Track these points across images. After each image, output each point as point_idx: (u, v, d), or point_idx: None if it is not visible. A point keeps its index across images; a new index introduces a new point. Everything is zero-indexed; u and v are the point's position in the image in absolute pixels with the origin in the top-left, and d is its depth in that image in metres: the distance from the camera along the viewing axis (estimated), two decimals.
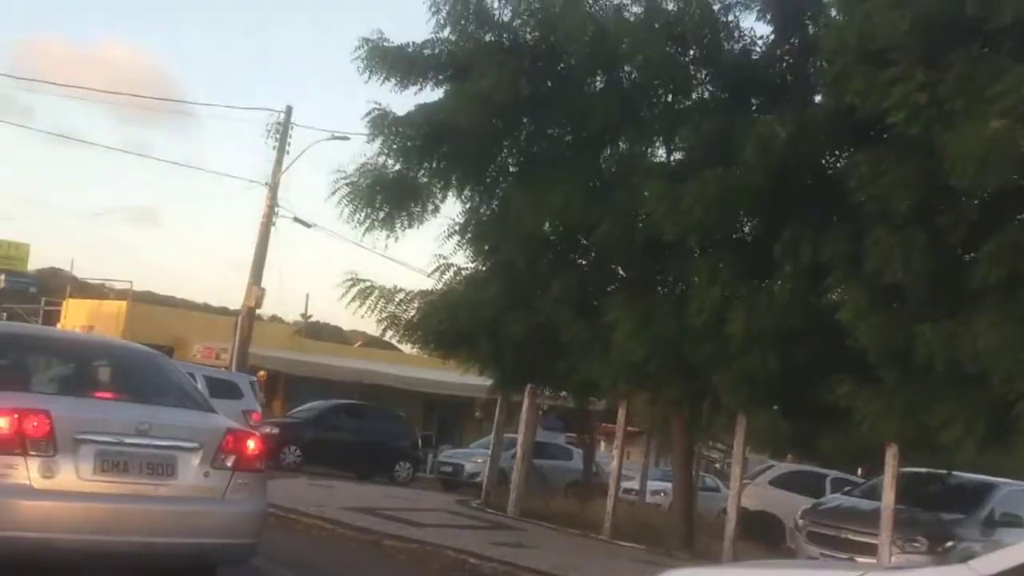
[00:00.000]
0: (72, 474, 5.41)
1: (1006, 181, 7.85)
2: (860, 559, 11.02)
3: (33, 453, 5.31)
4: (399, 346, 27.09)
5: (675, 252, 11.60)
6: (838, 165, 10.90)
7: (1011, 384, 8.07)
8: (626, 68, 12.36)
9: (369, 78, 12.66)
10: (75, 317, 34.22)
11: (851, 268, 9.62)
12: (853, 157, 9.74)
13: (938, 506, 12.70)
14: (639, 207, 11.39)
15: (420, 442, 25.23)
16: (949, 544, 11.70)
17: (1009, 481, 13.80)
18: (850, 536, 12.16)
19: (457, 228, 13.76)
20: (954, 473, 13.94)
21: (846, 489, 15.62)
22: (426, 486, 21.48)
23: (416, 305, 14.77)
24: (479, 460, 22.11)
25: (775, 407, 12.86)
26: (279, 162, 26.24)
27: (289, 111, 26.66)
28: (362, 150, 13.55)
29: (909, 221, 8.89)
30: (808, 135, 10.20)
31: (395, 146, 12.61)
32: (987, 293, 8.47)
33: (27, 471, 5.28)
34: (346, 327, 51.18)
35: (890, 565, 7.10)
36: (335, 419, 23.01)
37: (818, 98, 11.21)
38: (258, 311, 27.38)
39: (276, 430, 21.23)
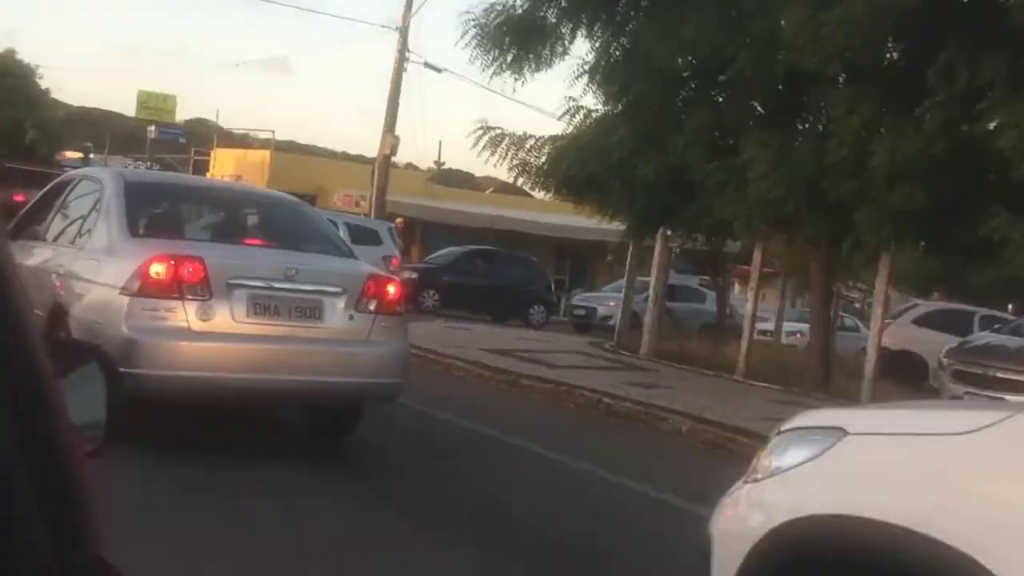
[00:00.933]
0: (227, 317, 5.71)
1: None
2: (1010, 398, 10.72)
3: (190, 297, 5.61)
4: (530, 192, 27.21)
5: (816, 84, 11.01)
6: None
7: None
8: None
9: None
10: (223, 167, 35.56)
11: (1012, 91, 8.92)
12: None
13: None
14: (778, 36, 10.78)
15: (553, 286, 25.58)
16: None
17: None
18: (999, 374, 11.79)
19: (586, 68, 13.45)
20: None
21: (996, 327, 15.08)
22: (559, 329, 21.89)
23: (547, 150, 14.67)
24: (611, 303, 22.29)
25: (921, 243, 12.34)
26: (409, 5, 25.92)
27: None
28: None
29: None
30: None
31: None
32: None
33: (185, 314, 5.59)
34: (478, 174, 51.58)
35: None
36: (471, 264, 23.54)
37: None
38: (393, 159, 27.74)
39: (415, 275, 21.89)
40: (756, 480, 2.82)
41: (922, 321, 18.07)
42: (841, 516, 2.44)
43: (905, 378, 14.21)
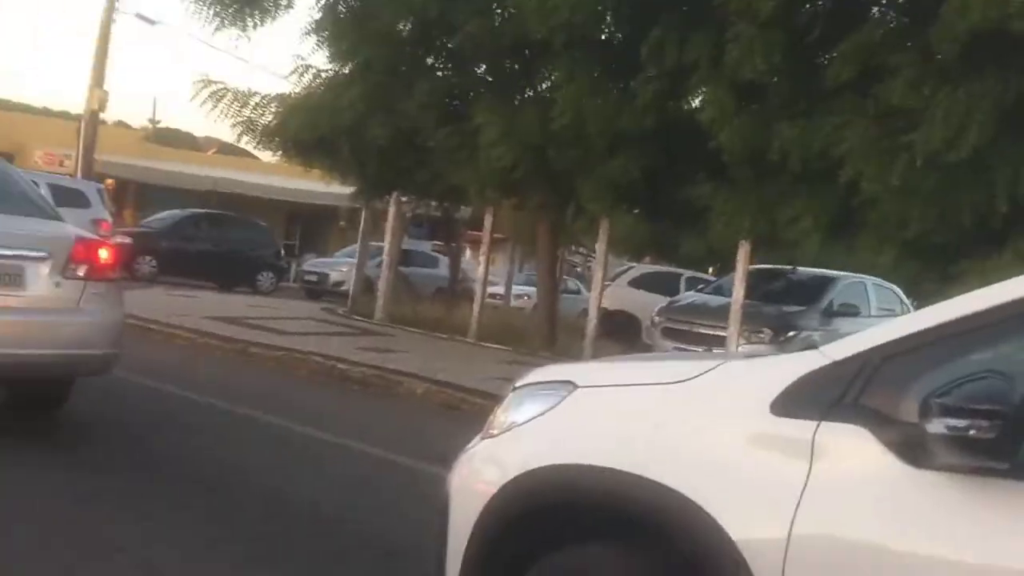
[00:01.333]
0: None
1: None
2: (713, 350, 11.74)
3: None
4: (256, 153, 26.22)
5: (542, 53, 11.39)
6: None
7: (867, 178, 8.46)
8: None
9: None
10: None
11: (714, 69, 9.68)
12: None
13: (782, 300, 13.54)
14: (505, 5, 11.03)
15: (283, 251, 24.91)
16: (791, 334, 12.56)
17: (847, 274, 14.77)
18: (701, 330, 12.89)
19: (314, 26, 13.08)
20: (798, 268, 14.82)
21: (699, 287, 16.41)
22: (291, 295, 21.40)
23: (274, 109, 14.17)
24: (344, 269, 22.06)
25: (636, 210, 13.17)
26: None
27: None
28: None
29: (771, 19, 8.92)
30: None
31: None
32: (840, 92, 8.71)
33: None
34: (199, 133, 48.87)
35: (749, 354, 7.63)
36: (193, 228, 22.36)
37: None
38: (102, 115, 25.72)
39: (129, 240, 20.53)
40: (492, 436, 2.88)
41: (636, 283, 19.35)
42: (571, 465, 2.55)
43: (622, 336, 15.17)
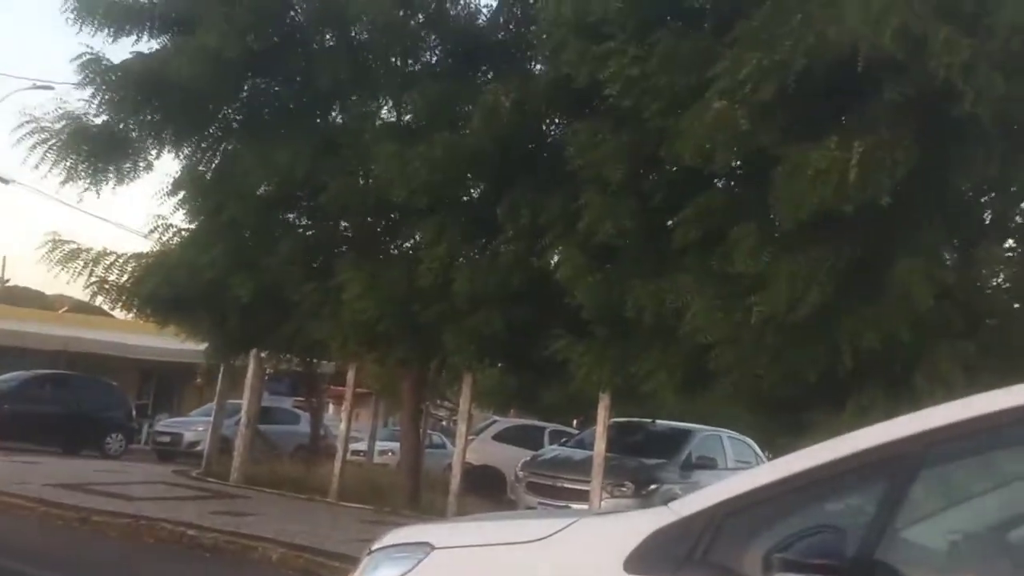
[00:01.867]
0: None
1: (726, 157, 8.57)
2: (575, 505, 11.76)
3: None
4: (111, 312, 25.43)
5: (404, 213, 11.68)
6: (557, 133, 11.39)
7: (705, 334, 8.88)
8: (355, 27, 12.19)
9: (80, 29, 11.76)
10: None
11: (567, 230, 10.13)
12: (572, 126, 10.21)
13: (643, 452, 13.79)
14: (369, 167, 11.34)
15: (134, 412, 23.84)
16: (653, 487, 12.75)
17: (704, 427, 15.23)
18: (565, 484, 12.93)
19: (175, 187, 13.07)
20: (658, 421, 15.18)
21: (563, 440, 16.56)
22: (142, 458, 20.38)
23: (130, 268, 13.88)
24: (200, 428, 21.23)
25: (500, 364, 13.34)
26: None
27: None
28: (67, 99, 12.53)
29: (620, 187, 9.47)
30: (530, 103, 10.58)
31: (107, 96, 11.74)
32: (688, 253, 9.23)
33: None
34: (49, 292, 47.09)
35: (602, 510, 7.67)
36: (37, 390, 21.19)
37: (539, 67, 11.64)
38: None
39: None
40: None
41: (500, 437, 19.36)
42: None
43: (487, 492, 15.04)
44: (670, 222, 9.24)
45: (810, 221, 8.03)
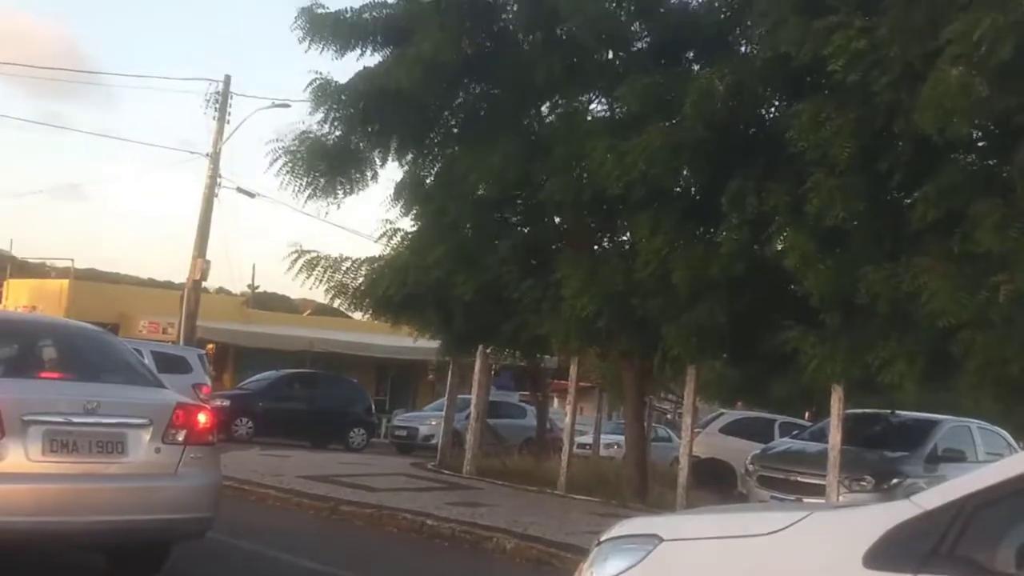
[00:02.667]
0: (22, 456, 5.32)
1: (967, 127, 7.97)
2: (809, 500, 11.32)
3: None
4: (349, 313, 26.99)
5: (621, 206, 11.65)
6: (777, 115, 10.99)
7: (946, 317, 8.29)
8: (564, 24, 12.28)
9: (309, 47, 12.54)
10: (16, 297, 33.41)
11: (794, 215, 9.75)
12: (793, 107, 9.82)
13: (883, 444, 13.05)
14: (583, 163, 11.39)
15: (373, 407, 25.23)
16: (895, 481, 12.04)
17: (950, 417, 14.21)
18: (799, 478, 12.46)
19: (401, 193, 13.71)
20: (897, 412, 14.32)
21: (794, 433, 15.96)
22: (382, 451, 21.51)
23: (364, 272, 14.70)
24: (433, 423, 22.16)
25: (724, 356, 13.06)
26: (219, 132, 25.78)
27: (228, 80, 26.18)
28: (303, 118, 13.44)
29: (849, 167, 9.01)
30: (747, 86, 10.26)
31: (337, 114, 12.48)
32: (925, 234, 8.66)
33: None
34: (294, 296, 50.75)
35: (838, 504, 7.33)
36: (287, 389, 22.93)
37: (754, 49, 11.26)
38: (204, 284, 27.00)
39: (227, 402, 21.08)
40: None
41: (728, 429, 18.94)
42: None
43: (716, 485, 14.76)
44: (907, 201, 8.69)
45: None
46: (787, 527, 2.50)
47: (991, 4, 7.23)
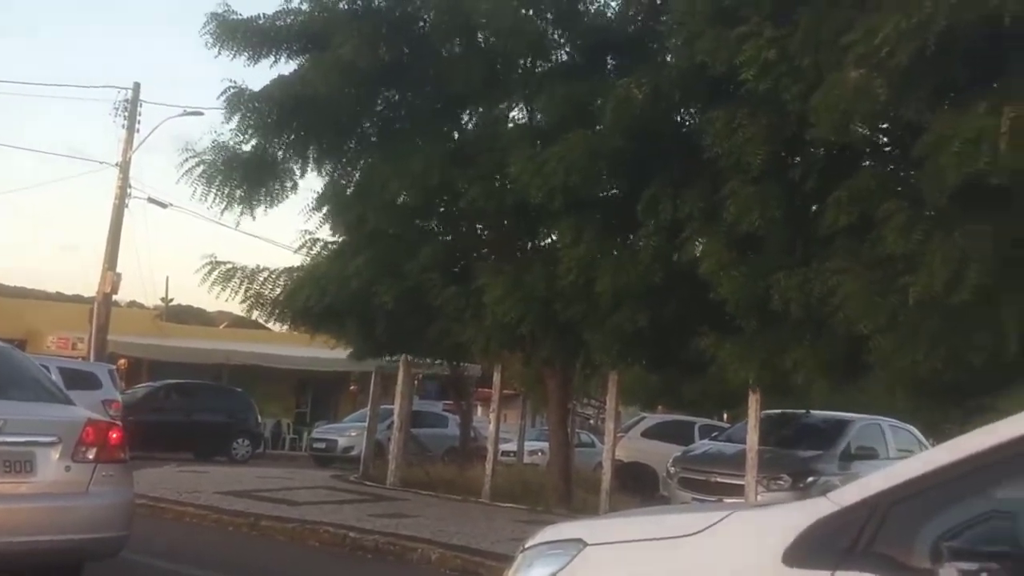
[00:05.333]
0: None
1: (866, 130, 8.19)
2: (729, 500, 11.52)
3: None
4: (267, 325, 26.55)
5: (542, 214, 11.71)
6: (694, 122, 11.18)
7: (860, 323, 8.52)
8: (483, 32, 12.31)
9: (219, 53, 12.29)
10: None
11: (709, 222, 9.92)
12: (708, 114, 10.01)
13: (798, 444, 13.37)
14: (503, 171, 11.42)
15: (260, 418, 24.46)
16: (810, 479, 12.34)
17: (862, 416, 14.63)
18: (718, 479, 12.68)
19: (319, 202, 13.54)
20: (812, 412, 14.69)
21: (713, 435, 16.23)
22: (302, 464, 21.18)
23: (282, 282, 14.46)
24: (353, 434, 21.92)
25: (645, 361, 13.22)
26: (129, 141, 25.15)
27: (137, 88, 25.55)
28: (216, 126, 13.24)
29: (762, 173, 9.21)
30: (664, 94, 10.41)
31: (252, 122, 12.26)
32: (836, 239, 8.89)
33: None
34: (210, 309, 49.66)
35: (757, 504, 7.49)
36: (162, 400, 22.19)
37: (671, 57, 11.44)
38: (115, 297, 26.27)
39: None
40: None
41: (649, 433, 19.17)
42: None
43: (639, 489, 14.91)
44: (814, 208, 8.91)
45: (961, 195, 7.59)
46: (707, 528, 2.53)
47: (895, 8, 7.44)
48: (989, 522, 2.05)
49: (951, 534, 2.03)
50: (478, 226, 13.45)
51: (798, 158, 9.60)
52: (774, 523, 2.42)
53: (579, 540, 2.76)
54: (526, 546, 2.99)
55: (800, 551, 2.27)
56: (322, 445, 23.11)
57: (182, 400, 22.38)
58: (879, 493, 2.27)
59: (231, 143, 12.63)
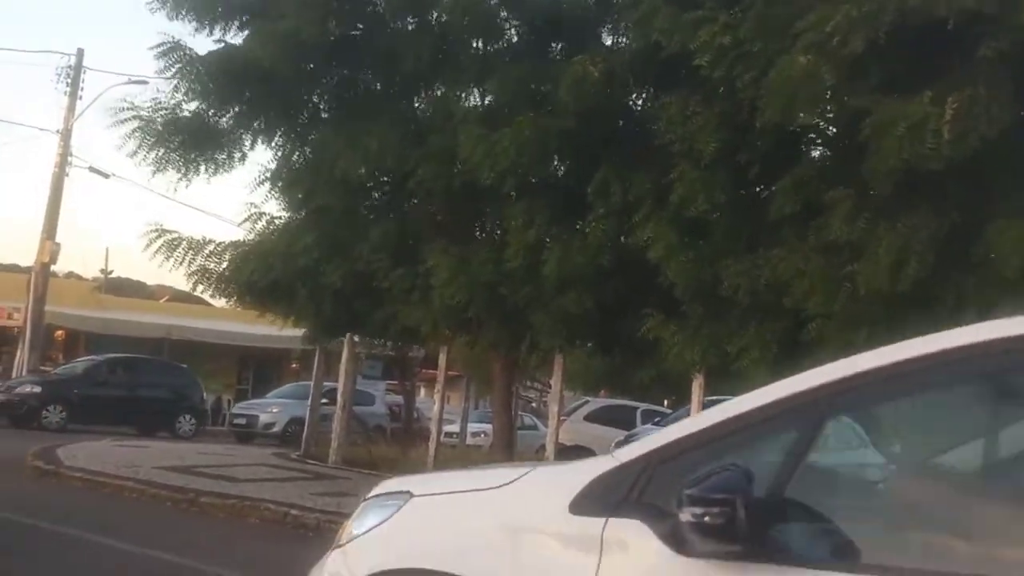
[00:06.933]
0: None
1: (812, 115, 8.28)
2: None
3: None
4: (210, 300, 26.22)
5: (492, 196, 11.69)
6: (646, 107, 11.23)
7: (804, 307, 8.66)
8: (435, 11, 12.21)
9: (158, 13, 12.05)
10: None
11: (659, 207, 9.98)
12: (661, 99, 10.04)
13: None
14: (455, 152, 11.37)
15: (205, 394, 24.17)
16: None
17: None
18: None
19: (268, 176, 13.36)
20: None
21: (656, 420, 16.45)
22: (223, 439, 20.95)
23: (228, 257, 14.26)
24: (275, 410, 21.73)
25: (590, 344, 13.29)
26: (71, 108, 24.55)
27: (80, 54, 24.96)
28: (160, 90, 12.85)
29: (713, 160, 9.29)
30: (617, 76, 10.43)
31: (194, 84, 12.01)
32: (783, 226, 9.01)
33: None
34: (151, 282, 48.82)
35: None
36: (106, 374, 21.80)
37: (624, 39, 11.47)
38: (53, 267, 25.69)
39: (37, 389, 20.14)
40: (340, 546, 3.15)
41: (592, 417, 19.34)
42: (403, 570, 2.86)
43: None
44: (764, 195, 9.02)
45: (905, 182, 7.75)
46: (512, 481, 2.85)
47: None
48: (722, 473, 2.30)
49: (691, 484, 2.28)
50: (429, 208, 13.38)
51: (747, 147, 9.70)
52: (567, 478, 2.72)
53: (407, 492, 3.06)
54: (366, 497, 3.25)
55: (584, 501, 2.57)
56: (242, 421, 22.62)
57: (126, 375, 21.98)
58: (651, 451, 2.57)
59: (170, 103, 12.38)
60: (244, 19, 12.47)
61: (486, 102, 12.70)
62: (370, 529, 3.05)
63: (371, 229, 12.53)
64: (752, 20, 8.34)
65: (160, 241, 13.85)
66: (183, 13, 12.04)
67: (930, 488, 2.57)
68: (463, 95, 12.91)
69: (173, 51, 11.87)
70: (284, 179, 13.12)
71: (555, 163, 11.74)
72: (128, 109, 12.37)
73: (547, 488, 2.77)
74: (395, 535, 2.98)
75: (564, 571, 2.55)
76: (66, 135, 24.41)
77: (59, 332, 25.41)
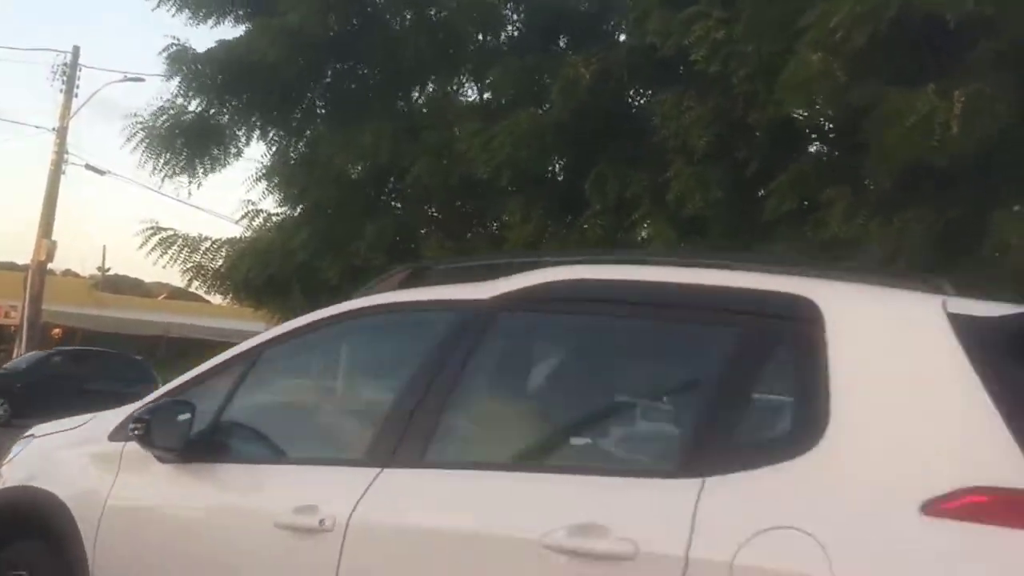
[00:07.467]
0: None
1: (829, 109, 8.22)
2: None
3: None
4: (207, 297, 26.20)
5: (489, 191, 11.64)
6: (644, 102, 11.18)
7: None
8: (435, 5, 12.16)
9: (158, 5, 12.00)
10: None
11: (656, 203, 9.93)
12: (656, 95, 9.99)
13: None
14: (452, 146, 11.32)
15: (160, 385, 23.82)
16: None
17: None
18: None
19: (264, 172, 13.31)
20: None
21: None
22: None
23: (224, 253, 14.20)
24: None
25: None
26: (67, 106, 24.54)
27: (76, 51, 24.92)
28: (159, 92, 12.89)
29: (707, 156, 9.24)
30: (613, 74, 10.38)
31: (195, 84, 11.98)
32: (780, 223, 8.97)
33: None
34: (148, 279, 48.76)
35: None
36: (55, 367, 21.48)
37: (624, 36, 11.43)
38: (50, 265, 25.65)
39: None
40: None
41: None
42: (16, 487, 4.15)
43: None
44: (760, 193, 8.97)
45: (903, 181, 7.70)
46: (87, 422, 4.15)
47: None
48: (160, 402, 3.66)
49: (138, 410, 3.62)
50: (427, 205, 13.32)
51: (743, 143, 9.66)
52: (116, 417, 3.93)
53: (32, 435, 4.42)
54: (22, 437, 4.47)
55: (116, 431, 3.82)
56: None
57: (76, 368, 21.54)
58: (163, 391, 3.91)
59: (173, 107, 12.35)
60: (240, 13, 12.41)
61: (484, 96, 12.66)
62: (11, 459, 4.36)
63: (367, 225, 12.49)
64: (746, 19, 8.28)
65: (155, 239, 13.81)
66: (179, 7, 12.00)
67: (326, 408, 4.29)
68: (460, 89, 12.88)
69: (178, 54, 11.86)
70: (280, 175, 13.07)
71: (553, 158, 11.69)
72: (136, 121, 12.39)
73: (102, 424, 3.99)
74: (19, 464, 4.29)
75: (97, 475, 3.74)
76: (62, 133, 24.38)
77: (56, 330, 25.37)
